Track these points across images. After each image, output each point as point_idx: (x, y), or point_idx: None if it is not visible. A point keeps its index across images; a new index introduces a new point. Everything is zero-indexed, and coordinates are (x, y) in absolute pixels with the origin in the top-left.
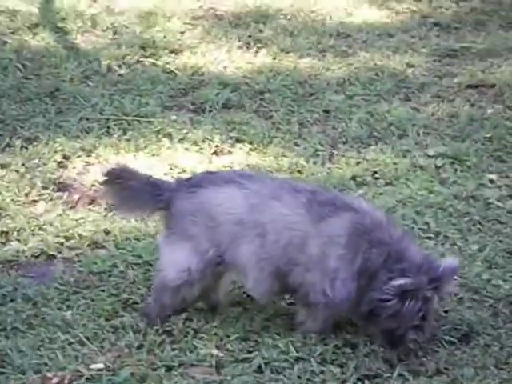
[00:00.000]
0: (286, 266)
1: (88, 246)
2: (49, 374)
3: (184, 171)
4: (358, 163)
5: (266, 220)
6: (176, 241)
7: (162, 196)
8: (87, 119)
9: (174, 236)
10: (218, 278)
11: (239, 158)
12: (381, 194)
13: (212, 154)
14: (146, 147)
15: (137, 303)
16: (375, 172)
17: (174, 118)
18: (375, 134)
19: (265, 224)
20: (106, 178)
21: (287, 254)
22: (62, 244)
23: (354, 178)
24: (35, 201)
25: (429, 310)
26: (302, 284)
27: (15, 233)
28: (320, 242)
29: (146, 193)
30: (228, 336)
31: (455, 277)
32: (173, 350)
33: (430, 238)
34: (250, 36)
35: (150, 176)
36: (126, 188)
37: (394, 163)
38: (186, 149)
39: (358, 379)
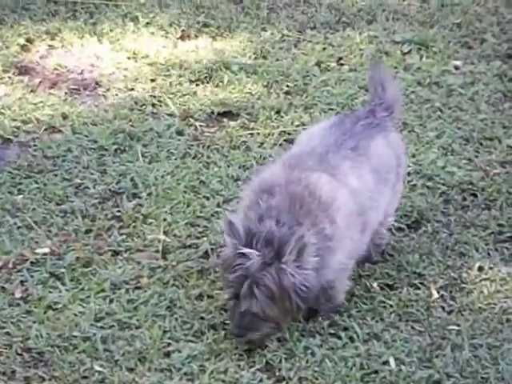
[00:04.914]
0: None
1: (45, 130)
2: None
3: (147, 56)
4: (324, 49)
5: None
6: None
7: None
8: (55, 2)
9: None
10: None
11: (204, 43)
12: (343, 80)
13: (178, 38)
14: (111, 31)
15: (88, 188)
16: (340, 58)
17: (142, 1)
18: (344, 19)
19: None
20: None
21: None
22: (18, 128)
23: (318, 63)
24: None
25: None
26: None
27: None
28: None
29: None
30: (177, 222)
31: None
32: (120, 235)
33: None
34: None
35: None
36: None
37: (360, 49)
38: (152, 33)
39: None
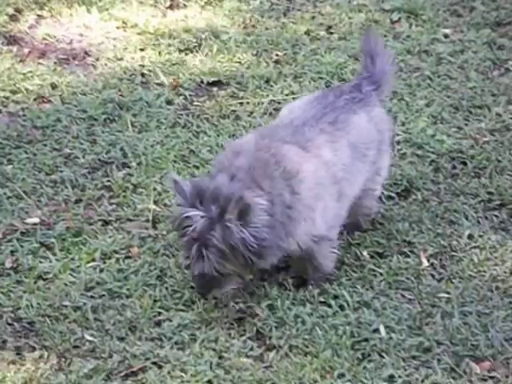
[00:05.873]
0: None
1: (34, 100)
2: None
3: (136, 26)
4: (313, 18)
5: None
6: None
7: None
8: None
9: None
10: None
11: (194, 12)
12: (333, 48)
13: (167, 7)
14: (100, 0)
15: (78, 158)
16: (330, 27)
17: None
18: None
19: None
20: None
21: None
22: (7, 98)
23: (307, 32)
24: None
25: None
26: None
27: None
28: None
29: None
30: (167, 191)
31: None
32: (110, 204)
33: None
34: None
35: None
36: None
37: (349, 18)
38: (141, 2)
39: None
